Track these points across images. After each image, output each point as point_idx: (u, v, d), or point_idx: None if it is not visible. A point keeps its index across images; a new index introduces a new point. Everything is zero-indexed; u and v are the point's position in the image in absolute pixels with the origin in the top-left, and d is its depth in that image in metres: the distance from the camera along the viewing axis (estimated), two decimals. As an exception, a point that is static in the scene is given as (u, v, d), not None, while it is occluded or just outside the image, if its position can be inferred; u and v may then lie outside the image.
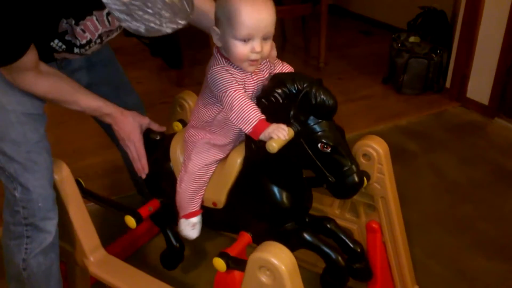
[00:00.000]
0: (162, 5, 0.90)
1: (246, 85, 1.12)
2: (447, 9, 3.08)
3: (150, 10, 0.90)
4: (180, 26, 0.94)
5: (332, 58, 3.39)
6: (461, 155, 2.37)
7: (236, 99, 1.06)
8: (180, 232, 1.33)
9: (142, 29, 0.92)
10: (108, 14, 1.16)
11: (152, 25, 0.91)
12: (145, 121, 1.37)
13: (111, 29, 1.20)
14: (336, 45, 3.62)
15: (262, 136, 1.04)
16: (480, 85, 2.71)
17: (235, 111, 1.06)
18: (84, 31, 1.15)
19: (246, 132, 1.08)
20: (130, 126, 1.33)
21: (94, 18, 1.14)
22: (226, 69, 1.09)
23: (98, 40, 1.21)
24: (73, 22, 1.12)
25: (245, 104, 1.06)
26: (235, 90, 1.07)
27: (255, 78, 1.13)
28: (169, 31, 0.93)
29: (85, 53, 1.24)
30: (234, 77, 1.09)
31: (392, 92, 3.00)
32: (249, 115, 1.05)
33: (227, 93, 1.07)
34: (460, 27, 2.73)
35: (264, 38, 1.07)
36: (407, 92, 2.96)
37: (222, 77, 1.08)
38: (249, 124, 1.05)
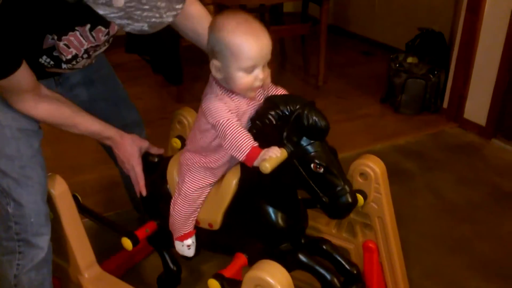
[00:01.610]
0: None
1: (242, 112, 1.13)
2: (445, 31, 3.13)
3: (146, 6, 0.90)
4: (179, 12, 0.94)
5: (331, 77, 3.42)
6: (459, 175, 2.37)
7: (229, 128, 1.07)
8: (178, 252, 1.33)
9: (145, 27, 0.92)
10: (92, 29, 1.16)
11: (153, 20, 0.92)
12: (145, 145, 1.38)
13: (98, 44, 1.21)
14: (335, 64, 3.66)
15: (255, 163, 1.06)
16: (477, 106, 2.73)
17: (228, 139, 1.07)
18: (68, 47, 1.15)
19: (240, 160, 1.10)
20: (130, 150, 1.34)
21: (78, 33, 1.15)
22: (220, 99, 1.10)
23: (85, 55, 1.21)
24: (56, 37, 1.13)
25: (238, 132, 1.07)
26: (228, 119, 1.08)
27: (250, 104, 1.14)
28: (170, 19, 0.94)
29: (75, 67, 1.25)
30: (227, 106, 1.10)
31: (390, 112, 3.02)
32: (242, 143, 1.06)
33: (220, 122, 1.08)
34: (457, 49, 2.76)
35: (264, 65, 1.09)
36: (405, 112, 2.97)
37: (215, 106, 1.09)
38: (242, 152, 1.07)
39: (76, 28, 1.13)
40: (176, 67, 2.91)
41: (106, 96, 1.48)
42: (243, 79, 1.07)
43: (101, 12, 0.90)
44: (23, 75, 1.10)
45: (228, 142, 1.08)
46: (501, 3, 2.48)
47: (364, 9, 4.17)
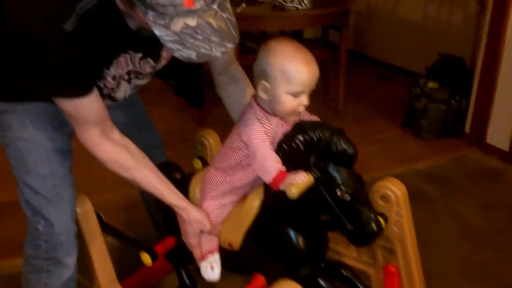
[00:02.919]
0: (210, 31, 0.94)
1: (278, 134, 1.17)
2: (465, 55, 3.12)
3: (200, 37, 0.93)
4: (228, 50, 0.98)
5: (350, 101, 3.42)
6: (481, 201, 2.33)
7: (260, 149, 1.11)
8: (203, 277, 1.30)
9: (193, 56, 0.95)
10: (142, 58, 1.18)
11: (202, 50, 0.95)
12: (205, 228, 1.26)
13: (141, 72, 1.22)
14: (354, 88, 3.66)
15: (282, 186, 1.08)
16: (500, 131, 2.70)
17: (258, 160, 1.11)
18: (116, 67, 1.16)
19: (266, 182, 1.11)
20: (191, 231, 1.26)
21: (128, 56, 1.16)
22: (259, 119, 1.15)
23: (126, 76, 1.21)
24: (115, 63, 1.14)
25: (268, 155, 1.11)
26: (262, 140, 1.12)
27: (285, 127, 1.18)
28: (218, 54, 0.97)
29: (115, 98, 1.24)
30: (264, 128, 1.14)
31: (410, 136, 3.00)
32: (270, 166, 1.10)
33: (253, 141, 1.12)
34: (479, 73, 2.75)
35: (309, 92, 1.13)
36: (426, 136, 2.96)
37: (253, 126, 1.14)
38: (269, 174, 1.10)
39: (129, 51, 1.15)
40: (198, 91, 2.96)
41: (130, 119, 1.51)
42: (290, 102, 1.12)
43: (157, 32, 0.93)
44: (93, 105, 1.09)
45: (257, 163, 1.11)
46: (523, 28, 2.48)
47: (383, 34, 4.20)
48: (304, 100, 1.13)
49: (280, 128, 1.17)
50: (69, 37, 0.98)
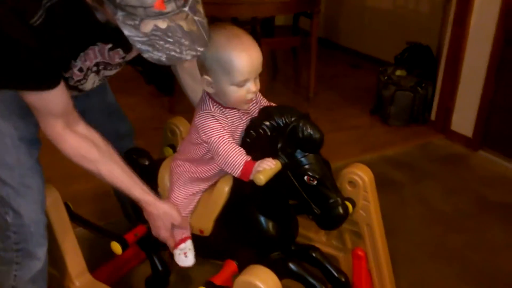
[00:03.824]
0: (181, 34, 0.93)
1: (235, 127, 1.15)
2: (432, 44, 3.19)
3: (170, 39, 0.92)
4: (199, 53, 0.97)
5: (321, 89, 3.46)
6: (446, 185, 2.41)
7: (221, 145, 1.09)
8: (177, 263, 1.30)
9: (163, 58, 0.93)
10: (111, 49, 1.16)
11: (173, 53, 0.93)
12: (176, 221, 1.24)
13: (110, 62, 1.20)
14: (325, 76, 3.71)
15: (251, 177, 1.07)
16: (464, 118, 2.78)
17: (222, 157, 1.09)
18: (85, 60, 1.15)
19: (235, 176, 1.11)
20: (162, 225, 1.24)
21: (97, 48, 1.14)
22: (213, 115, 1.12)
23: (95, 68, 1.19)
24: (83, 56, 1.12)
25: (230, 149, 1.09)
26: (220, 136, 1.09)
27: (243, 119, 1.16)
28: (189, 58, 0.95)
29: (83, 89, 1.23)
30: (220, 123, 1.11)
31: (379, 123, 3.07)
32: (235, 161, 1.08)
33: (212, 139, 1.10)
34: (444, 62, 2.82)
35: (256, 77, 1.10)
36: (393, 124, 3.02)
37: (208, 123, 1.11)
38: (236, 169, 1.09)
39: (98, 43, 1.13)
40: (168, 78, 2.93)
41: (100, 107, 1.49)
42: (235, 93, 1.08)
43: (126, 32, 0.91)
44: (58, 98, 1.07)
45: (221, 160, 1.10)
46: (486, 17, 2.55)
47: (353, 23, 4.25)
48: (251, 87, 1.08)
49: (237, 121, 1.15)
50: (36, 31, 0.97)
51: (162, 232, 1.26)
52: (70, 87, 1.15)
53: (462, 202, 2.27)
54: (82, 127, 1.16)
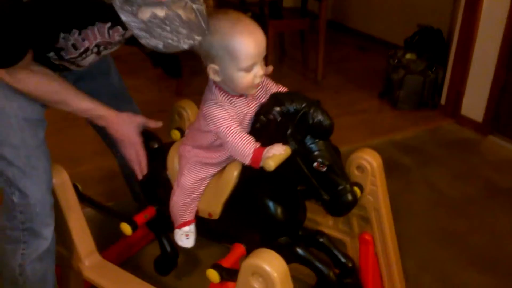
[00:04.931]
0: (179, 22, 0.92)
1: (243, 114, 1.14)
2: (443, 28, 3.14)
3: (168, 28, 0.92)
4: (196, 42, 0.96)
5: (329, 72, 3.43)
6: (455, 170, 2.40)
7: (230, 135, 1.09)
8: (176, 242, 1.34)
9: (160, 45, 0.93)
10: (111, 28, 1.16)
11: (170, 41, 0.93)
12: (141, 120, 1.34)
13: (110, 41, 1.20)
14: (333, 59, 3.67)
15: (261, 163, 1.07)
16: (474, 102, 2.75)
17: (231, 146, 1.09)
18: (83, 39, 1.15)
19: (246, 164, 1.11)
20: (127, 128, 1.31)
21: (96, 28, 1.15)
22: (220, 105, 1.11)
23: (95, 49, 1.20)
24: (77, 33, 1.12)
25: (239, 138, 1.09)
26: (227, 126, 1.09)
27: (251, 106, 1.16)
28: (186, 47, 0.95)
29: (81, 65, 1.24)
30: (228, 112, 1.11)
31: (388, 107, 3.04)
32: (244, 149, 1.08)
33: (221, 129, 1.10)
34: (455, 45, 2.78)
35: (261, 61, 1.10)
36: (402, 108, 3.00)
37: (215, 113, 1.11)
38: (246, 157, 1.09)
39: (97, 23, 1.13)
40: (175, 61, 2.92)
41: (106, 89, 1.48)
42: (243, 78, 1.08)
43: (124, 18, 0.91)
44: (24, 58, 1.09)
45: (232, 149, 1.10)
46: (498, 1, 2.50)
47: (363, 5, 4.18)
48: (258, 71, 1.08)
49: (245, 108, 1.15)
50: (25, 8, 0.97)
51: (133, 137, 1.30)
52: (67, 61, 1.17)
53: (470, 187, 2.27)
54: (35, 64, 1.16)
